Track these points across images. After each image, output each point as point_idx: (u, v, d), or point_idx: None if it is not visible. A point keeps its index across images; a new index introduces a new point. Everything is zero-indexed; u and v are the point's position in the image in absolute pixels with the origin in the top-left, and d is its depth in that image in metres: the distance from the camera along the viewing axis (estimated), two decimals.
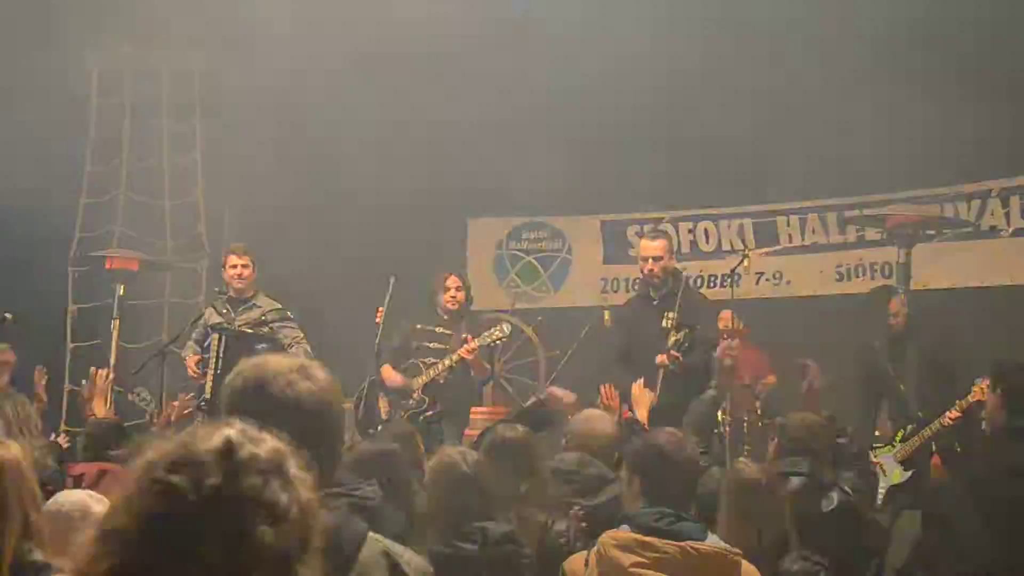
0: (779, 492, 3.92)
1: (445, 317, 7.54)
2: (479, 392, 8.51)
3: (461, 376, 7.44)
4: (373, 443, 4.37)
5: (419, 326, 7.58)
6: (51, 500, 3.29)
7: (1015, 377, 4.43)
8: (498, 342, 7.38)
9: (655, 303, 7.04)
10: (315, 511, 1.39)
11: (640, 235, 10.45)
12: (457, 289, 7.54)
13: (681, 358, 6.65)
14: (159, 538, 1.31)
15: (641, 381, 6.10)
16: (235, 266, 7.63)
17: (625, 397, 7.04)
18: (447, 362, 7.30)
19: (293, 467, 1.39)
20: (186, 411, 7.19)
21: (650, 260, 7.01)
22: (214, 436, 1.37)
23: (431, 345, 7.50)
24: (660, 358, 6.70)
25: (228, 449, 1.35)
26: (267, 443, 1.39)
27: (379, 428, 7.24)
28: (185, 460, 1.35)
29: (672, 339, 6.71)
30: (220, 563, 1.30)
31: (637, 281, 10.12)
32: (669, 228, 10.25)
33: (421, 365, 7.45)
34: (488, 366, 7.53)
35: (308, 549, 1.37)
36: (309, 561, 1.37)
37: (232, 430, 1.38)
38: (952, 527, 4.16)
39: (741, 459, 7.69)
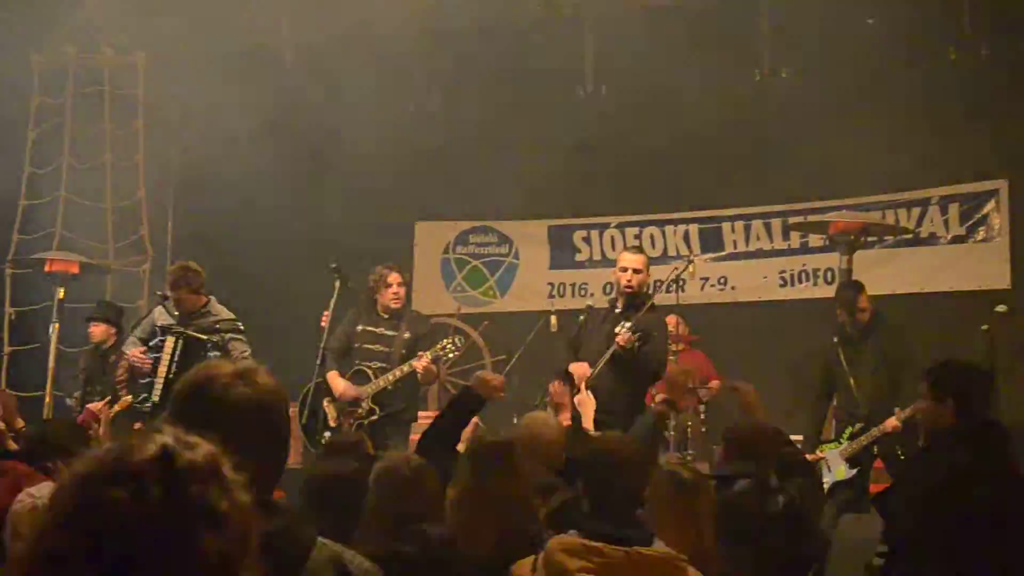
0: (714, 494, 3.95)
1: (386, 316, 7.44)
2: (424, 399, 8.48)
3: (407, 380, 7.37)
4: (328, 464, 4.32)
5: (360, 327, 7.46)
6: (24, 494, 3.27)
7: (959, 379, 4.47)
8: (451, 355, 7.33)
9: (616, 312, 7.07)
10: (252, 513, 1.38)
11: (587, 240, 10.58)
12: (399, 285, 7.42)
13: (634, 344, 6.70)
14: (102, 555, 1.27)
15: (587, 392, 6.12)
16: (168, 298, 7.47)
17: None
18: (397, 373, 7.21)
19: (228, 470, 1.37)
20: (100, 414, 7.13)
21: (630, 271, 7.03)
22: (148, 444, 1.33)
23: (373, 347, 7.39)
24: (620, 338, 6.72)
25: (166, 458, 1.32)
26: (201, 448, 1.36)
27: (327, 435, 7.15)
28: (123, 472, 1.30)
29: (626, 332, 6.75)
30: (166, 575, 1.28)
31: (584, 286, 10.24)
32: (616, 233, 10.36)
33: (367, 370, 7.35)
34: (435, 368, 7.48)
35: (248, 552, 1.36)
36: (250, 564, 1.36)
37: (166, 437, 1.35)
38: (907, 535, 4.21)
39: (674, 458, 7.78)
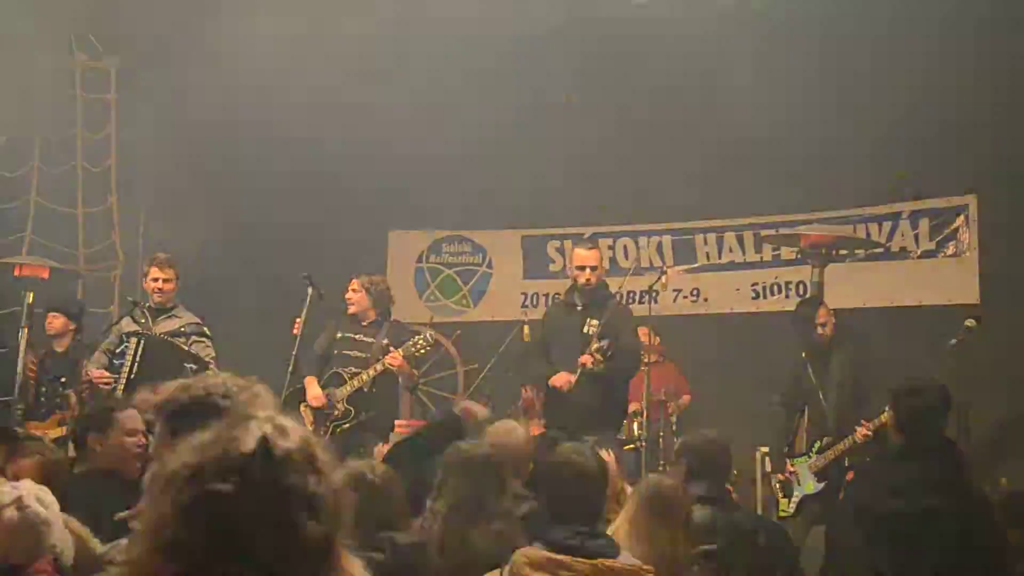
0: (688, 506, 3.96)
1: (365, 324, 7.44)
2: (399, 407, 8.46)
3: (385, 386, 7.34)
4: None
5: (340, 335, 7.47)
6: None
7: (906, 400, 4.53)
8: (423, 351, 7.29)
9: (579, 309, 7.11)
10: (344, 491, 1.52)
11: (560, 251, 10.57)
12: (352, 291, 7.44)
13: (603, 361, 6.77)
14: (216, 544, 1.39)
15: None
16: (156, 279, 7.46)
17: (547, 413, 7.14)
18: (371, 372, 7.20)
19: (320, 453, 1.49)
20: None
21: (587, 269, 7.09)
22: (248, 436, 1.45)
23: (352, 353, 7.38)
24: (584, 359, 6.81)
25: (265, 449, 1.43)
26: (295, 435, 1.48)
27: None
28: (229, 466, 1.42)
29: (595, 345, 6.82)
30: (272, 559, 1.39)
31: (557, 295, 10.23)
32: (594, 239, 10.38)
33: (344, 374, 7.34)
34: (415, 372, 7.48)
35: (342, 527, 1.49)
36: (344, 539, 1.50)
37: (266, 426, 1.46)
38: (842, 546, 4.25)
39: (658, 472, 7.84)
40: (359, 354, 7.36)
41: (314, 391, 7.32)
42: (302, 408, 7.33)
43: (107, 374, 7.23)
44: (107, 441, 4.48)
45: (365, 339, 7.40)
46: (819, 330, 7.29)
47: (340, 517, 1.48)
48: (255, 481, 1.41)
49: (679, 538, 3.71)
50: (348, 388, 7.26)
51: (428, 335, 7.28)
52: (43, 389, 7.76)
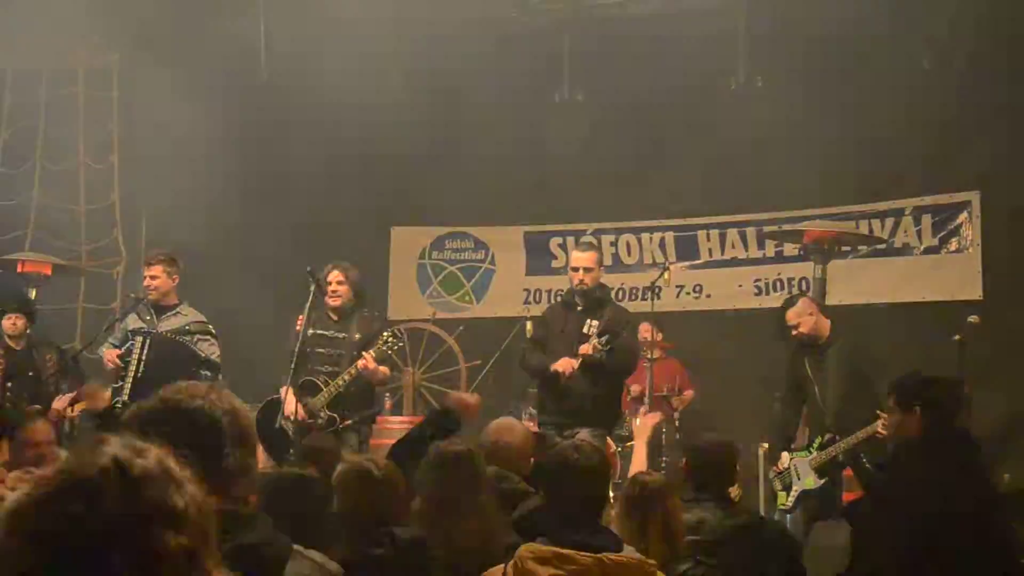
0: (672, 500, 3.97)
1: (335, 318, 7.25)
2: (381, 400, 8.35)
3: (362, 384, 7.10)
4: (282, 470, 4.23)
5: (311, 331, 7.19)
6: None
7: (926, 389, 4.52)
8: (394, 348, 7.07)
9: (579, 309, 7.11)
10: (208, 504, 1.42)
11: (563, 247, 10.57)
12: (338, 283, 7.21)
13: (602, 350, 6.77)
14: (68, 568, 1.29)
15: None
16: (145, 276, 7.45)
17: (541, 407, 7.14)
18: (347, 376, 6.97)
19: (179, 468, 1.41)
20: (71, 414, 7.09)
21: (581, 271, 7.08)
22: (99, 457, 1.36)
23: (325, 351, 7.16)
24: (584, 348, 6.80)
25: (119, 466, 1.35)
26: (150, 452, 1.40)
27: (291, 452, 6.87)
28: (76, 486, 1.32)
29: (594, 340, 6.83)
30: None
31: (560, 292, 10.22)
32: (593, 240, 10.36)
33: (318, 382, 7.06)
34: (384, 372, 7.23)
35: (209, 541, 1.40)
36: (211, 552, 1.40)
37: (115, 448, 1.37)
38: (879, 542, 4.24)
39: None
40: (333, 351, 7.15)
41: (289, 406, 6.94)
42: (283, 421, 7.01)
43: (115, 359, 7.22)
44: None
45: (337, 335, 7.20)
46: (792, 331, 7.20)
47: (206, 529, 1.40)
48: (106, 499, 1.31)
49: (653, 536, 3.72)
50: (324, 397, 7.01)
51: (396, 330, 7.07)
52: (9, 384, 7.75)
